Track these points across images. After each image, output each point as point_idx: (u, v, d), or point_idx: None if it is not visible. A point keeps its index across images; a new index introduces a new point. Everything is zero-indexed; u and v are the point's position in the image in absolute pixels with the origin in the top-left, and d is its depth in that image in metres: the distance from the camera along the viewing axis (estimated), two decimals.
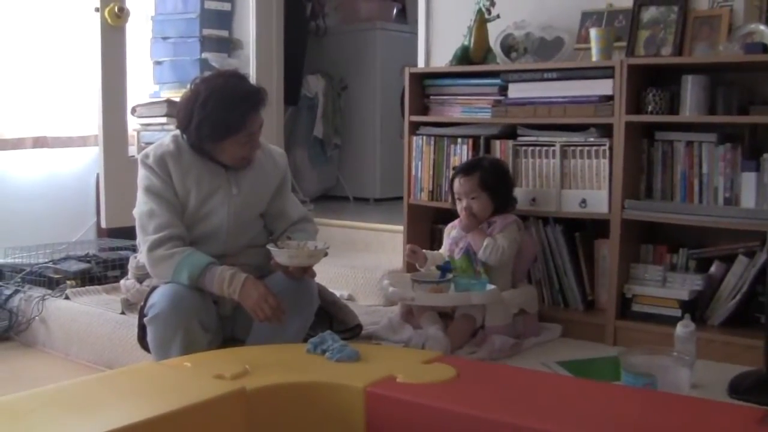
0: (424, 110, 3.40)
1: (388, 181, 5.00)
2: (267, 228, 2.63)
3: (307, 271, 2.43)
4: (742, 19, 2.88)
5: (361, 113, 5.14)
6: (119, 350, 2.87)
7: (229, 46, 4.46)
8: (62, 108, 4.08)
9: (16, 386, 2.53)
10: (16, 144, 3.93)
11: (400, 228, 3.47)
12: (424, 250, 2.97)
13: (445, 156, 3.30)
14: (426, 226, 3.44)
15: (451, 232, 3.00)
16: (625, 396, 1.93)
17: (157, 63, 4.41)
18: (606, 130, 2.93)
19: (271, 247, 2.41)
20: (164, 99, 4.04)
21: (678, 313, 2.73)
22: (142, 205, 2.44)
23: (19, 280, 3.45)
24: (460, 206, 2.91)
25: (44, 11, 3.98)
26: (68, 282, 3.35)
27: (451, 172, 3.08)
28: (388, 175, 4.99)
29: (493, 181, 2.90)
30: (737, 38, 2.79)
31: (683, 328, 2.46)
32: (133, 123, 4.02)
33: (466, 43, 3.30)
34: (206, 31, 4.32)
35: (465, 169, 2.95)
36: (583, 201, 2.97)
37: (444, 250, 3.00)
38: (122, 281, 3.12)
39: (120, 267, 3.47)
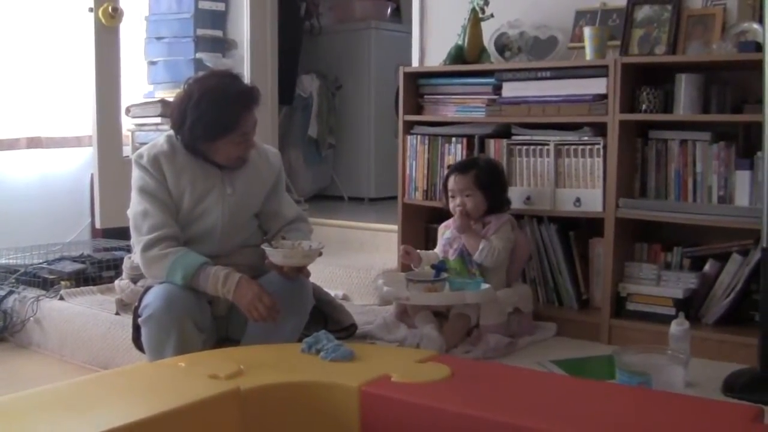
0: (419, 109, 3.40)
1: (383, 181, 4.99)
2: (261, 228, 2.63)
3: (301, 271, 2.43)
4: (735, 17, 2.88)
5: (356, 113, 5.14)
6: (114, 351, 2.86)
7: (223, 46, 4.45)
8: (56, 108, 4.08)
9: (11, 387, 2.53)
10: (10, 144, 3.93)
11: (395, 227, 3.47)
12: (418, 250, 2.97)
13: (440, 155, 3.30)
14: (420, 226, 3.44)
15: (445, 232, 3.00)
16: (620, 395, 1.93)
17: (152, 63, 4.40)
18: (600, 129, 2.93)
19: (265, 246, 2.41)
20: (158, 99, 4.03)
21: (672, 311, 2.74)
22: (136, 205, 2.44)
23: (13, 280, 3.45)
24: (453, 204, 2.91)
25: (38, 11, 3.97)
26: (63, 282, 3.35)
27: (446, 171, 3.08)
28: (383, 175, 4.99)
29: (489, 180, 2.90)
30: (731, 37, 2.79)
31: (678, 327, 2.47)
32: (127, 123, 4.00)
33: (460, 42, 3.30)
34: (200, 31, 4.32)
35: (460, 168, 2.95)
36: (578, 200, 2.97)
37: (438, 250, 3.00)
38: (117, 282, 3.13)
39: (114, 267, 3.47)
